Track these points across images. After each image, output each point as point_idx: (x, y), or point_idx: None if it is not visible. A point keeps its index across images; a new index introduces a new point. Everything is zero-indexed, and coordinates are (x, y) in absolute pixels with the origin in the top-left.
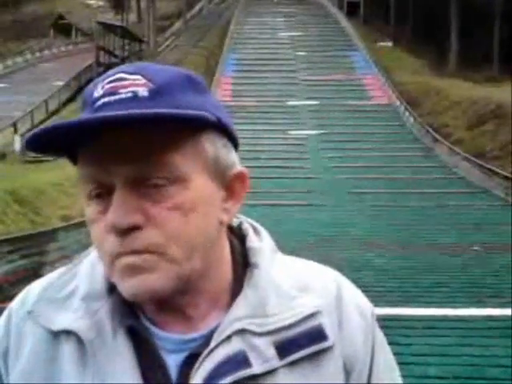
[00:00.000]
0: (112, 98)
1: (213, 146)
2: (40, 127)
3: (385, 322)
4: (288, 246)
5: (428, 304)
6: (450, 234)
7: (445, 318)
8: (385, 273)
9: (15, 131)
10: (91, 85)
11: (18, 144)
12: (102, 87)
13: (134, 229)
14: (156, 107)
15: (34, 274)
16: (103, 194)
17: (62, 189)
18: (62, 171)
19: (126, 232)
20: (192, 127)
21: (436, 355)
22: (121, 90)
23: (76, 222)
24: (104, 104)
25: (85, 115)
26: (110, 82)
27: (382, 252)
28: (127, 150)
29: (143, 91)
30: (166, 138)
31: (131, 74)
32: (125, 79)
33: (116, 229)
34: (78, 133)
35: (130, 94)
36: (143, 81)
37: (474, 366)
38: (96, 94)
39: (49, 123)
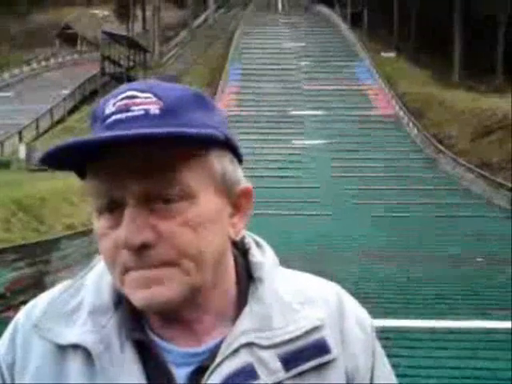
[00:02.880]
0: (124, 115)
1: (220, 162)
2: (56, 144)
3: (387, 334)
4: (290, 256)
5: (430, 316)
6: (453, 245)
7: (447, 330)
8: (387, 284)
9: (20, 140)
10: (101, 101)
11: (22, 152)
12: (114, 104)
13: (146, 246)
14: (167, 125)
15: (38, 282)
16: (113, 208)
17: (65, 197)
18: (65, 180)
19: (138, 249)
20: (201, 145)
21: (438, 367)
22: (133, 108)
23: (79, 231)
24: (116, 121)
25: (97, 131)
26: (122, 99)
27: (385, 263)
28: (139, 167)
29: (154, 109)
30: (177, 155)
31: (142, 91)
32: (136, 97)
33: (128, 246)
34: (90, 149)
35: (141, 112)
36: (154, 99)
37: (477, 379)
38: (108, 111)
39: (55, 132)
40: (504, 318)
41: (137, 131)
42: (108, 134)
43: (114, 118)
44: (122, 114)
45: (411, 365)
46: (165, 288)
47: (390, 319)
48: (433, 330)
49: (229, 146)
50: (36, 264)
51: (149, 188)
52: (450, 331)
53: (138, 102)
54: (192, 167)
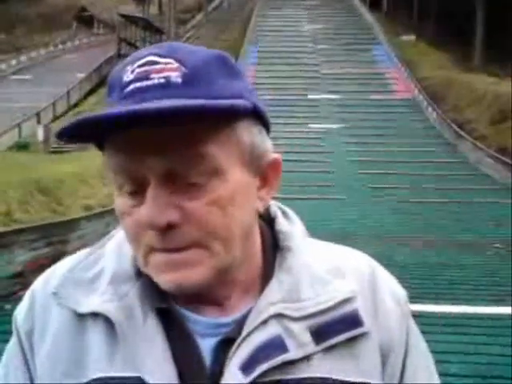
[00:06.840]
0: (144, 83)
1: (249, 133)
2: (72, 120)
3: None
4: None
5: (449, 301)
6: (471, 230)
7: (465, 316)
8: (405, 269)
9: (38, 122)
10: (119, 67)
11: (40, 134)
12: (133, 71)
13: (171, 226)
14: (190, 95)
15: (56, 262)
16: (135, 185)
17: (82, 179)
18: (82, 162)
19: (164, 229)
20: (229, 116)
21: (456, 353)
22: (153, 75)
23: (96, 212)
24: (135, 90)
25: (116, 100)
26: (141, 65)
27: (403, 248)
28: (162, 143)
29: (176, 77)
30: (202, 128)
31: (163, 56)
32: (156, 63)
33: (153, 227)
34: (110, 121)
35: (162, 81)
36: (176, 65)
37: (495, 365)
38: (126, 78)
39: (72, 114)
40: None
41: (161, 104)
42: (131, 106)
43: (132, 86)
44: (141, 82)
45: (429, 350)
46: (193, 271)
47: (409, 304)
48: (448, 316)
49: (256, 115)
50: (54, 244)
51: (173, 165)
52: (469, 317)
53: (158, 69)
54: (219, 141)
